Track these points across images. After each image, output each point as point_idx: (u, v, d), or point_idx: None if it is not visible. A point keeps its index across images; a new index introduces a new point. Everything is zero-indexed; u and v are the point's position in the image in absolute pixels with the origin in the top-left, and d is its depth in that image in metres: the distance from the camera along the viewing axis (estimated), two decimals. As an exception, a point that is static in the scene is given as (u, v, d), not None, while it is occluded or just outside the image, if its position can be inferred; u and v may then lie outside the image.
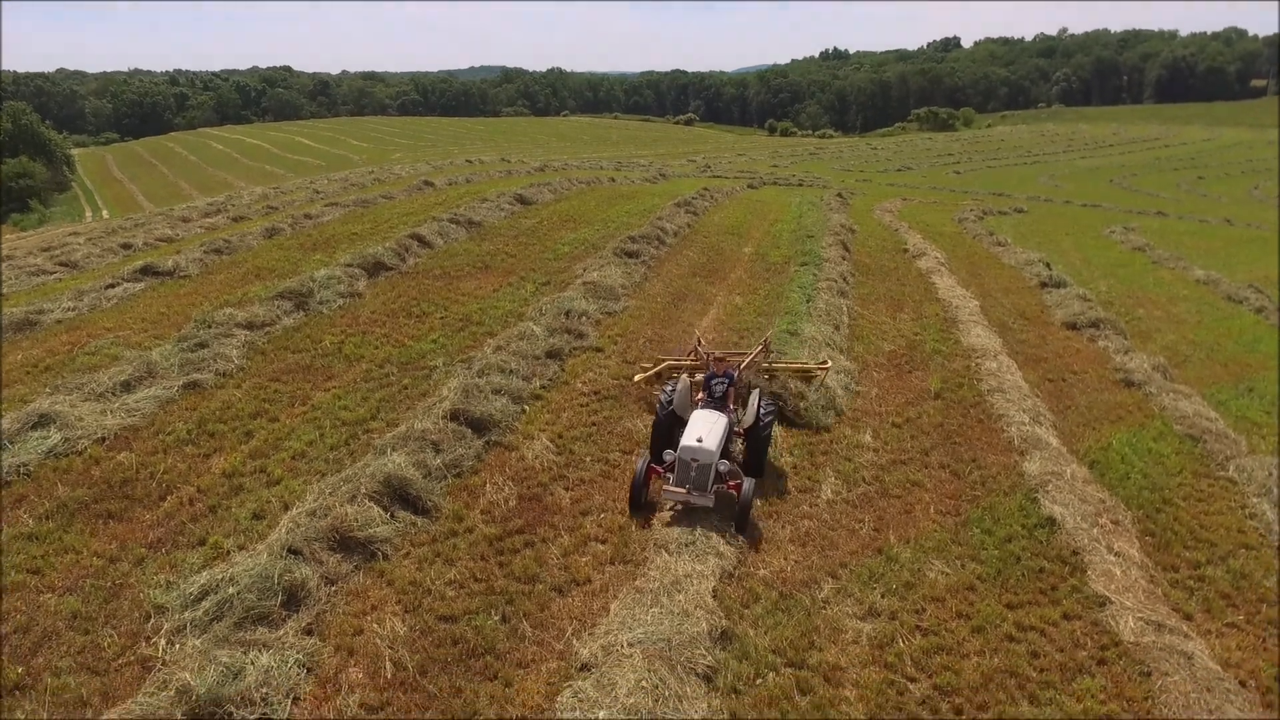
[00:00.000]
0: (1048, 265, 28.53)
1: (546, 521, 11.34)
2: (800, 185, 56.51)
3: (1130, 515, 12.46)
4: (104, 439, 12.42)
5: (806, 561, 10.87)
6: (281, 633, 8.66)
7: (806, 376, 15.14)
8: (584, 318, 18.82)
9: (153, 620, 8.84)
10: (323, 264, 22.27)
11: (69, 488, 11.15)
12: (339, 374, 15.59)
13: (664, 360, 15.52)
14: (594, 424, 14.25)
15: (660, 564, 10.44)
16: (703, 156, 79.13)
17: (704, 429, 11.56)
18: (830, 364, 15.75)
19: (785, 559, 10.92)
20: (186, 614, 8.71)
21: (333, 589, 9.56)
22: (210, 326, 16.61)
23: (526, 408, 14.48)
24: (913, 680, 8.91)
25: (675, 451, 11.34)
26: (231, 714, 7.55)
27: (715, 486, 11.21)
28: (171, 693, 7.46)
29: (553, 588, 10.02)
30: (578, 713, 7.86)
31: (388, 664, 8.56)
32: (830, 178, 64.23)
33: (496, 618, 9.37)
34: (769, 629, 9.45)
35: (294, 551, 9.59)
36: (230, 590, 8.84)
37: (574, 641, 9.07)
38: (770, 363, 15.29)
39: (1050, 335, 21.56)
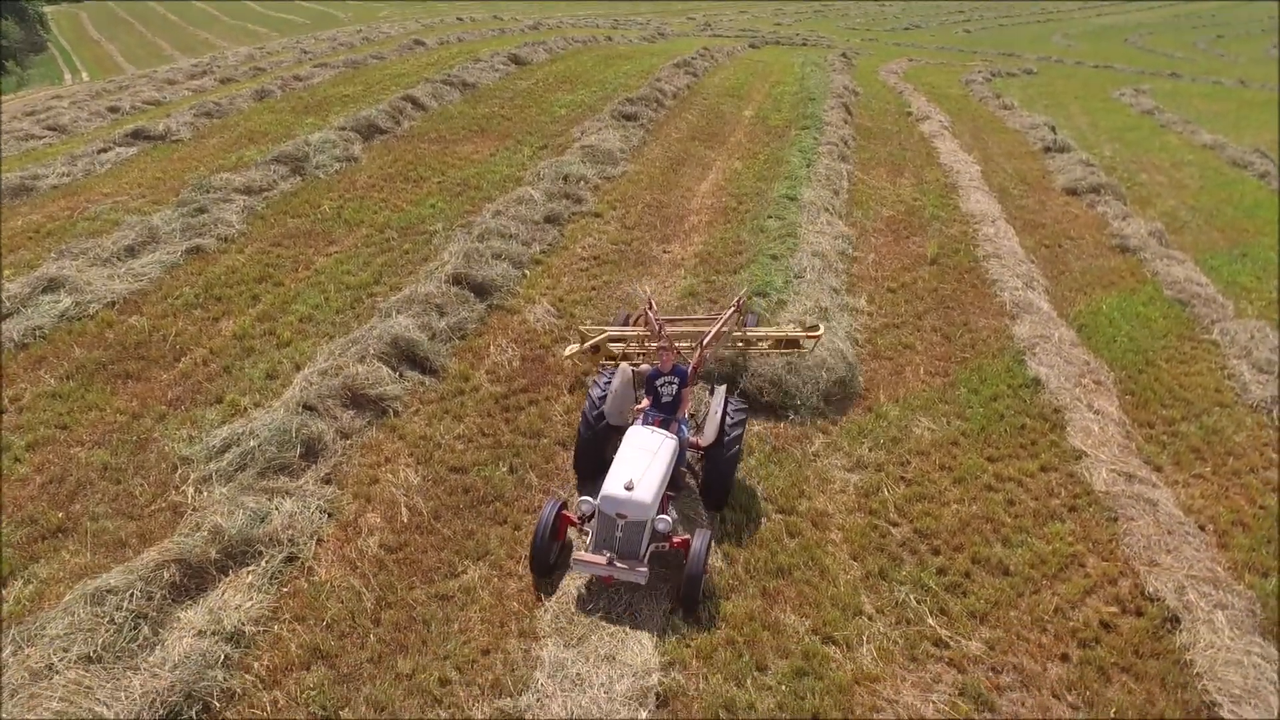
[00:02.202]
0: (1053, 129, 28.06)
1: (549, 381, 11.75)
2: (804, 45, 54.56)
3: (1113, 376, 12.90)
4: (114, 303, 12.68)
5: (797, 419, 11.33)
6: (302, 482, 9.19)
7: (792, 345, 11.79)
8: (582, 183, 18.73)
9: (179, 471, 9.35)
10: (316, 127, 21.93)
11: (85, 350, 11.49)
12: (340, 239, 15.69)
13: (603, 329, 11.73)
14: (593, 288, 14.49)
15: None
16: (703, 14, 75.90)
17: (638, 465, 8.24)
18: (823, 330, 11.85)
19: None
20: (211, 465, 9.22)
21: (348, 442, 10.05)
22: (208, 191, 16.57)
23: (527, 272, 14.69)
24: (895, 525, 9.52)
25: (594, 500, 8.13)
26: (261, 552, 8.15)
27: (653, 548, 8.09)
28: (205, 533, 8.01)
29: (556, 442, 10.52)
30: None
31: (403, 510, 9.13)
32: (835, 36, 61.89)
33: (504, 469, 9.90)
34: (762, 479, 10.01)
35: (309, 408, 10.02)
36: (251, 443, 9.32)
37: (576, 492, 9.66)
38: (745, 331, 11.92)
39: (1050, 201, 21.50)
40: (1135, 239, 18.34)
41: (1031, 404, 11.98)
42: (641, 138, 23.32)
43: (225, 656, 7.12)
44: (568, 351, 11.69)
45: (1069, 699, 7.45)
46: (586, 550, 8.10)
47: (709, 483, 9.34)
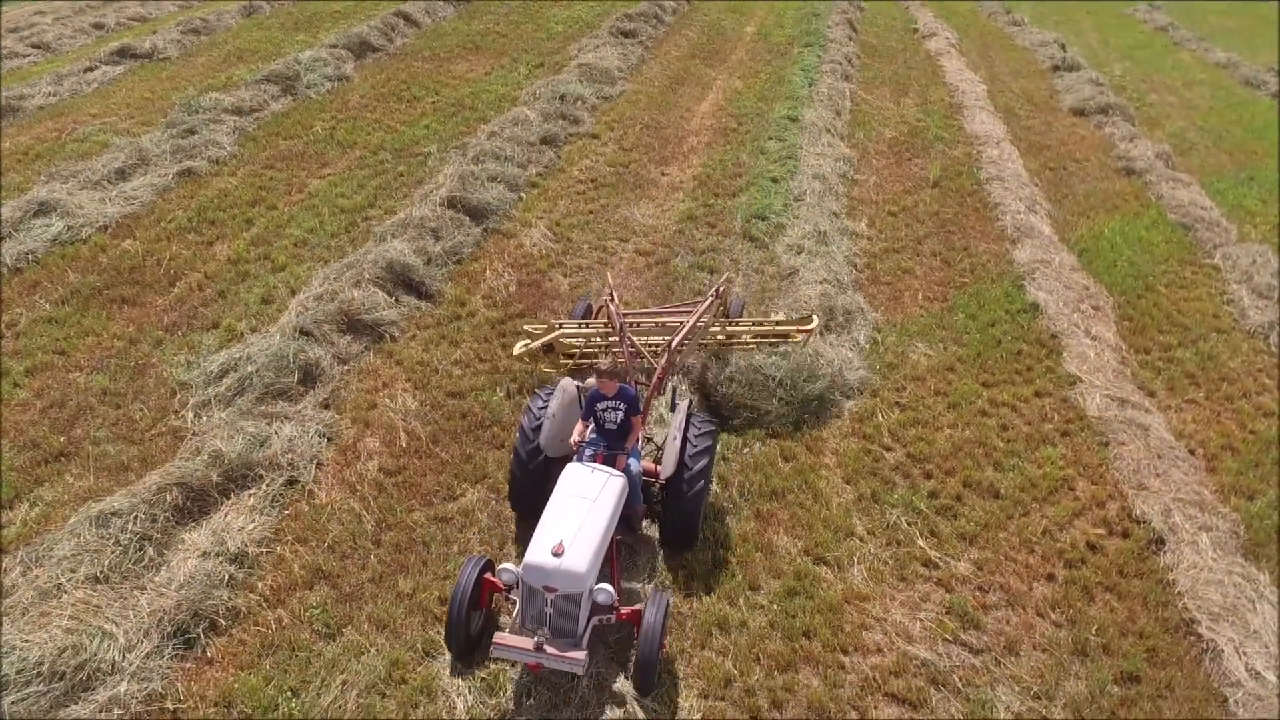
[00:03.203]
0: (1062, 47, 27.29)
1: (546, 306, 11.72)
2: (809, -43, 52.64)
3: (1111, 301, 12.86)
4: (106, 227, 12.56)
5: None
6: (300, 406, 9.26)
7: (782, 339, 10.26)
8: (579, 103, 18.34)
9: (178, 395, 9.41)
10: (306, 45, 21.35)
11: (79, 274, 11.42)
12: (333, 161, 15.45)
13: (556, 324, 9.96)
14: (590, 211, 14.34)
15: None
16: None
17: (571, 520, 6.62)
18: (817, 323, 10.47)
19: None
20: (210, 390, 9.27)
21: (345, 368, 10.09)
22: (197, 112, 16.23)
23: (523, 195, 14.50)
24: (888, 450, 9.63)
25: (517, 567, 6.52)
26: (261, 476, 8.26)
27: (594, 621, 6.58)
28: (205, 457, 8.11)
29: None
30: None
31: (402, 434, 9.22)
32: (842, -52, 59.72)
33: (501, 394, 9.95)
34: (757, 404, 10.06)
35: (305, 333, 10.03)
36: (249, 368, 9.35)
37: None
38: (726, 325, 10.32)
39: (1056, 122, 21.08)
40: (1141, 161, 18.04)
41: (1029, 329, 11.97)
42: (640, 55, 22.73)
43: (230, 576, 7.29)
44: (516, 350, 9.86)
45: (1053, 617, 7.64)
46: (512, 625, 6.58)
47: (670, 523, 7.76)
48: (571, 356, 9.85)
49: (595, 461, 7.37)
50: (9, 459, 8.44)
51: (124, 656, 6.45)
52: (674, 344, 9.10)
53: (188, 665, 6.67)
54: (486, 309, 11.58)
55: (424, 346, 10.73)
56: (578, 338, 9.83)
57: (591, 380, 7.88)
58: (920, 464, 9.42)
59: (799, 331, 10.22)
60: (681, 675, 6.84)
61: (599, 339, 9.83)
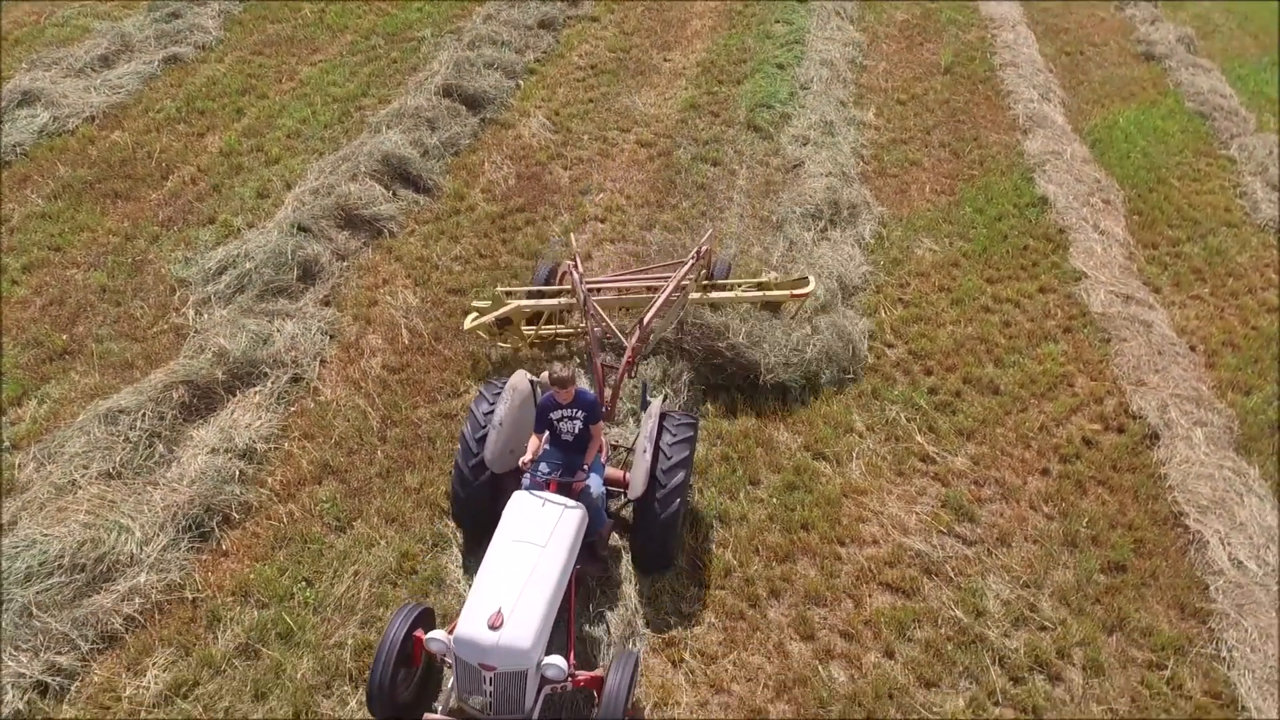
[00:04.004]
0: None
1: (546, 200, 11.53)
2: None
3: (1122, 194, 12.63)
4: (93, 118, 12.21)
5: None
6: (301, 304, 9.23)
7: (773, 306, 9.28)
8: (578, -17, 17.50)
9: (178, 293, 9.37)
10: (290, -81, 20.23)
11: (69, 167, 11.19)
12: (324, 46, 14.89)
13: (511, 293, 8.92)
14: (590, 100, 13.92)
15: None
16: None
17: (514, 577, 5.64)
18: (814, 285, 9.29)
19: (779, 236, 11.26)
20: (209, 287, 9.22)
21: (344, 264, 10.01)
22: (178, -7, 15.51)
23: (521, 83, 14.05)
24: (890, 346, 9.64)
25: (447, 634, 5.58)
26: (266, 374, 8.31)
27: (547, 690, 5.61)
28: (210, 355, 8.14)
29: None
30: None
31: (404, 331, 9.23)
32: None
33: (502, 291, 9.88)
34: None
35: (303, 229, 9.90)
36: (247, 265, 9.28)
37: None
38: (707, 290, 9.22)
39: (1075, 3, 20.21)
40: (1162, 45, 17.38)
41: (1036, 224, 11.81)
42: (642, -70, 21.56)
43: (240, 472, 7.43)
44: (468, 324, 8.70)
45: (1045, 510, 7.83)
46: (447, 697, 5.71)
47: (641, 544, 6.90)
48: (534, 322, 8.83)
49: (548, 490, 6.23)
50: (13, 357, 8.47)
51: (141, 549, 6.65)
52: (646, 319, 7.93)
53: (204, 557, 6.88)
54: (486, 203, 11.39)
55: (423, 242, 10.61)
56: (536, 312, 8.77)
57: (545, 375, 6.78)
58: (921, 360, 9.45)
59: (794, 296, 9.11)
60: (683, 568, 7.05)
61: (562, 313, 8.84)
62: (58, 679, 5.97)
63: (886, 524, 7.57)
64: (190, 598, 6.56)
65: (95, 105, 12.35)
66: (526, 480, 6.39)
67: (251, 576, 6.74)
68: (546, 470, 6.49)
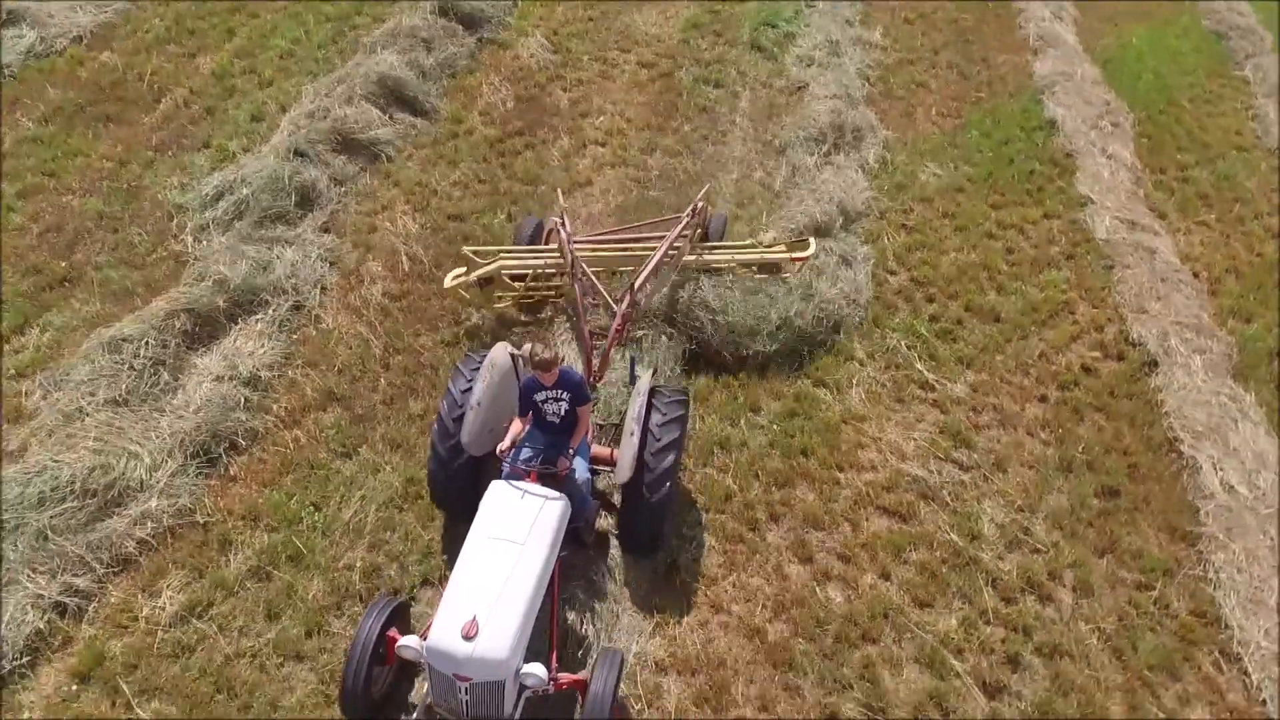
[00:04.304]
0: None
1: (545, 124, 11.34)
2: None
3: (1132, 118, 12.42)
4: (80, 38, 11.90)
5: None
6: (300, 230, 9.16)
7: (771, 269, 8.71)
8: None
9: (175, 220, 9.29)
10: None
11: (59, 90, 10.95)
12: (314, -38, 14.40)
13: (497, 252, 8.43)
14: (590, 19, 13.55)
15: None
16: None
17: (490, 581, 5.32)
18: (814, 248, 8.72)
19: (782, 161, 11.11)
20: (207, 214, 9.14)
21: (342, 189, 9.90)
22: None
23: (518, 1, 13.65)
24: (892, 274, 9.61)
25: (420, 640, 5.29)
26: (267, 301, 8.31)
27: (528, 694, 5.38)
28: (210, 283, 8.12)
29: (555, 188, 10.33)
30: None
31: (404, 258, 9.18)
32: None
33: (502, 216, 9.82)
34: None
35: (299, 154, 9.76)
36: (244, 191, 9.17)
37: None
38: (700, 251, 8.68)
39: (1092, -86, 19.50)
40: (1180, -40, 16.83)
41: (1044, 148, 11.64)
42: None
43: (245, 399, 7.49)
44: (449, 281, 8.30)
45: (1042, 436, 7.92)
46: (423, 701, 5.49)
47: (629, 527, 6.62)
48: (518, 281, 8.38)
49: (529, 480, 5.85)
50: (14, 285, 8.45)
51: (151, 475, 6.75)
52: (637, 283, 7.59)
53: (213, 483, 6.99)
54: (484, 126, 11.20)
55: (421, 167, 10.47)
56: (522, 271, 8.29)
57: (527, 349, 6.36)
58: (923, 288, 9.44)
59: (793, 259, 8.59)
60: (685, 491, 7.17)
61: (549, 274, 8.33)
62: (75, 600, 6.13)
63: (885, 450, 7.67)
64: (201, 522, 6.69)
65: (83, 25, 12.02)
66: (506, 468, 5.97)
67: (260, 501, 6.86)
68: (529, 455, 6.13)
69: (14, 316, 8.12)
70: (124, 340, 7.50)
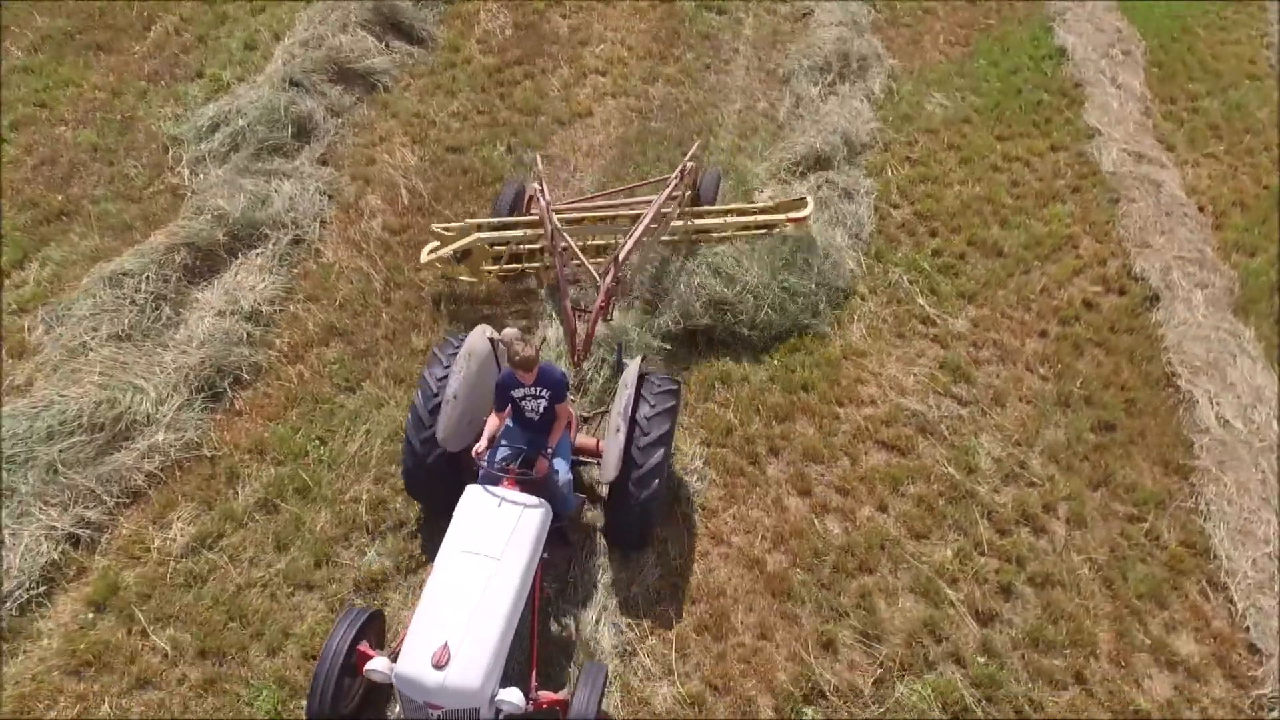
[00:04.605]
0: None
1: (545, 52, 11.10)
2: None
3: (1144, 46, 12.14)
4: (65, -39, 11.56)
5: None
6: (298, 163, 9.06)
7: (766, 228, 8.26)
8: None
9: (171, 152, 9.17)
10: None
11: (47, 18, 10.69)
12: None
13: (472, 224, 7.96)
14: (590, -58, 13.12)
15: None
16: None
17: (464, 601, 5.02)
18: (811, 208, 8.31)
19: (785, 91, 10.91)
20: (203, 146, 9.02)
21: (339, 121, 9.75)
22: None
23: (516, -77, 13.21)
24: (895, 207, 9.53)
25: (389, 663, 4.99)
26: (267, 235, 8.26)
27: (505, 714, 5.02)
28: (209, 217, 8.07)
29: (555, 120, 10.19)
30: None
31: (403, 191, 9.10)
32: None
33: (501, 148, 9.70)
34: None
35: (295, 84, 9.59)
36: (240, 122, 9.04)
37: (578, 172, 9.57)
38: (689, 217, 8.33)
39: None
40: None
41: (1052, 77, 11.42)
42: None
43: (248, 334, 7.51)
44: (424, 256, 7.92)
45: (1041, 371, 7.96)
46: None
47: (616, 524, 6.31)
48: (497, 261, 8.08)
49: (507, 484, 5.53)
50: (11, 219, 8.39)
51: (157, 409, 6.82)
52: (622, 255, 7.19)
53: (218, 417, 7.06)
54: (482, 55, 10.97)
55: (419, 97, 10.29)
56: (502, 243, 7.92)
57: (506, 333, 6.03)
58: (926, 222, 9.37)
59: (789, 220, 8.18)
60: (686, 425, 7.25)
61: (530, 242, 7.94)
62: (87, 532, 6.26)
63: (885, 385, 7.72)
64: (209, 455, 6.78)
65: (66, -52, 11.66)
66: (481, 470, 5.64)
67: (266, 435, 6.95)
68: (506, 454, 5.80)
69: (13, 251, 8.08)
70: (125, 275, 7.49)
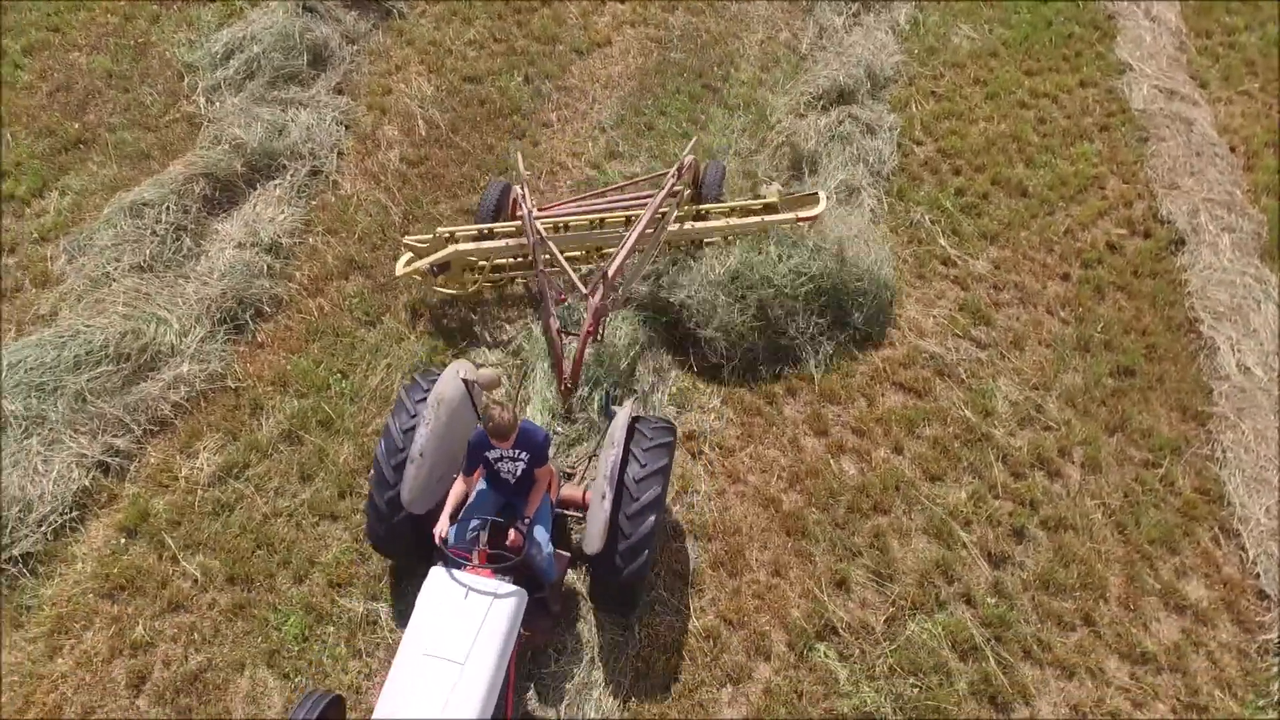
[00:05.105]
0: None
1: (563, -22, 10.80)
2: None
3: (1182, -25, 11.73)
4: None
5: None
6: (314, 91, 8.94)
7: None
8: None
9: (186, 79, 9.05)
10: None
11: (53, -65, 10.43)
12: None
13: (449, 234, 7.27)
14: None
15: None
16: None
17: (422, 711, 4.47)
18: (825, 205, 7.51)
19: (810, 21, 10.62)
20: (218, 73, 8.91)
21: (354, 48, 9.58)
22: None
23: None
24: (919, 144, 9.36)
25: None
26: (284, 166, 8.21)
27: None
28: (226, 146, 8.02)
29: (573, 49, 9.98)
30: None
31: (420, 122, 8.98)
32: None
33: (519, 79, 9.53)
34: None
35: (309, 9, 9.42)
36: (255, 49, 8.91)
37: (596, 104, 9.42)
38: (694, 218, 7.55)
39: None
40: None
41: (1083, 9, 11.07)
42: None
43: (268, 266, 7.53)
44: (400, 268, 7.27)
45: (1061, 315, 7.92)
46: None
47: (601, 591, 5.66)
48: (475, 276, 7.31)
49: (476, 565, 4.91)
50: (28, 147, 8.34)
51: (181, 340, 6.89)
52: (611, 270, 6.49)
53: (241, 349, 7.13)
54: (499, -20, 10.69)
55: (435, 24, 10.07)
56: (482, 256, 7.16)
57: (487, 371, 5.58)
58: (950, 159, 9.21)
59: (800, 219, 7.37)
60: (700, 369, 7.26)
61: (513, 254, 7.21)
62: (117, 459, 6.39)
63: (903, 327, 7.70)
64: (233, 387, 6.86)
65: None
66: (440, 553, 5.00)
67: (288, 368, 7.01)
68: (476, 526, 5.09)
69: (32, 180, 8.06)
70: (145, 205, 7.48)
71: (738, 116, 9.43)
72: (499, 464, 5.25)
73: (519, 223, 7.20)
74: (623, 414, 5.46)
